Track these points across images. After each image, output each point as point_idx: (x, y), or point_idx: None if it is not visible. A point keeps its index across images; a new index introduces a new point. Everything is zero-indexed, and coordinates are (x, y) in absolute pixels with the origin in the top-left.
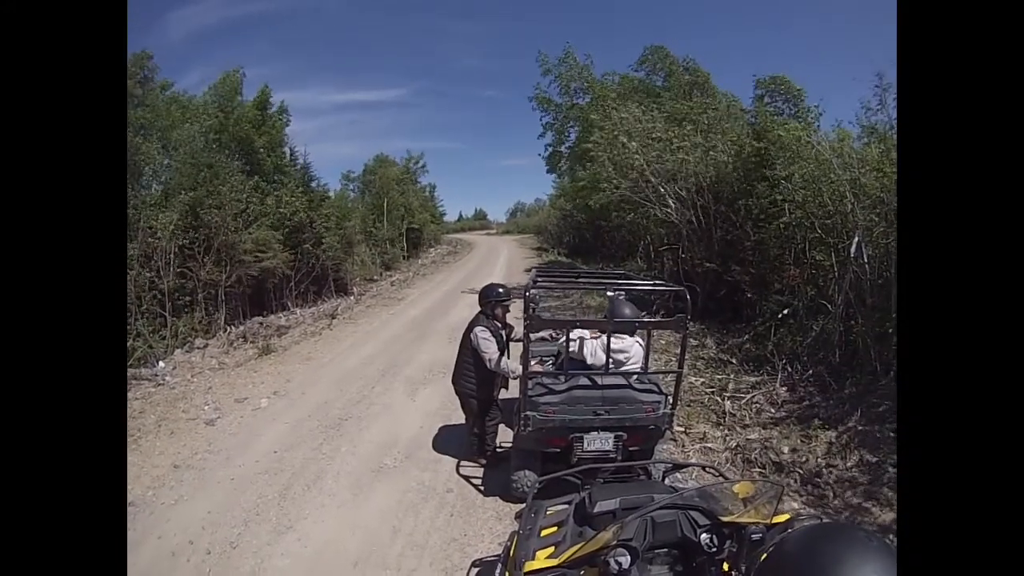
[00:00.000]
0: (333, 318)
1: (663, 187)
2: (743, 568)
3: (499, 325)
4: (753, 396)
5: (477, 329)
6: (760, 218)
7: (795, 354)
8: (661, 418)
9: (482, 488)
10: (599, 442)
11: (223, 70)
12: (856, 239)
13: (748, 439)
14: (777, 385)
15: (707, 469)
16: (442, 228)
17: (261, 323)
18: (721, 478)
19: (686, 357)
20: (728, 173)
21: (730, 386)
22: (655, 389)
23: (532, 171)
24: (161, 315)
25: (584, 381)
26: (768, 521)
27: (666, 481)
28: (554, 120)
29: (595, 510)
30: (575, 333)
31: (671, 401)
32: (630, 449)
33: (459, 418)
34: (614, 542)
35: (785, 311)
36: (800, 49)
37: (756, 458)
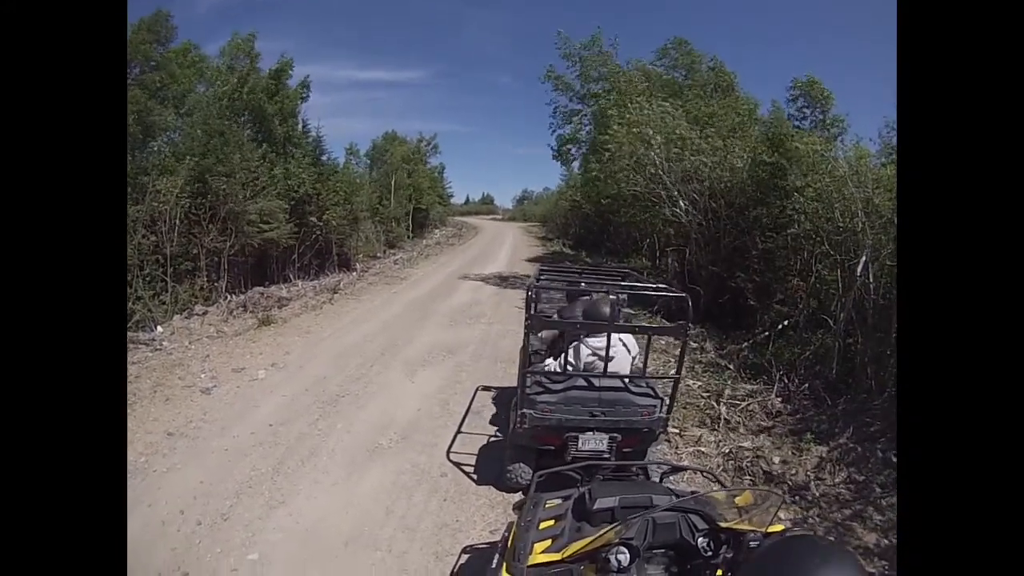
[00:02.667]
0: (335, 293)
1: (677, 188)
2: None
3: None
4: (749, 404)
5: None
6: (769, 227)
7: (792, 365)
8: (656, 421)
9: (475, 476)
10: (593, 443)
11: (235, 31)
12: (863, 258)
13: (741, 446)
14: (773, 395)
15: (705, 474)
16: (449, 210)
17: (262, 293)
18: (718, 484)
19: (685, 361)
20: (742, 180)
21: (726, 392)
22: (651, 393)
23: (541, 161)
24: (163, 279)
25: (581, 382)
26: (764, 530)
27: (663, 483)
28: (567, 105)
29: (594, 507)
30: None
31: (667, 404)
32: (624, 450)
33: (457, 402)
34: (616, 540)
35: (786, 322)
36: (830, 59)
37: (747, 466)
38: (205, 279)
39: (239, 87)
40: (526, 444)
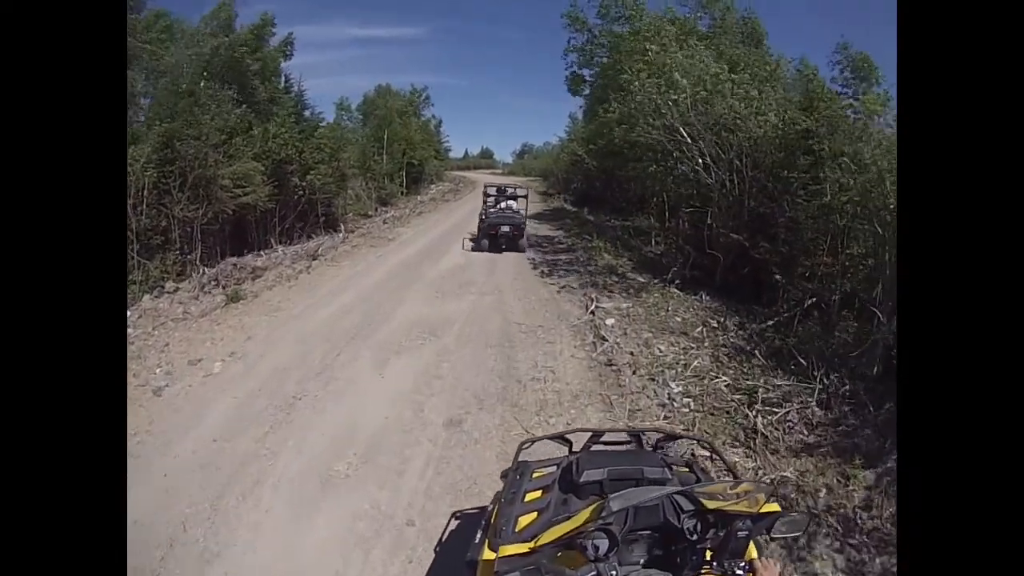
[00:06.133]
0: (314, 259)
1: (700, 141)
2: (726, 564)
3: None
4: (787, 412)
5: None
6: (798, 194)
7: (825, 355)
8: (522, 221)
9: (453, 528)
10: (504, 229)
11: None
12: None
13: (782, 476)
14: (813, 402)
15: (701, 443)
16: (446, 165)
17: (235, 264)
18: (714, 454)
19: (706, 344)
20: (772, 139)
21: (759, 392)
22: (520, 214)
23: (542, 114)
24: (131, 257)
25: (498, 212)
26: (754, 511)
27: (657, 452)
28: (585, 44)
29: (582, 479)
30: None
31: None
32: (513, 235)
33: (433, 408)
34: (592, 525)
35: (811, 299)
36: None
37: (791, 502)
38: (179, 252)
39: (217, 46)
40: (484, 234)
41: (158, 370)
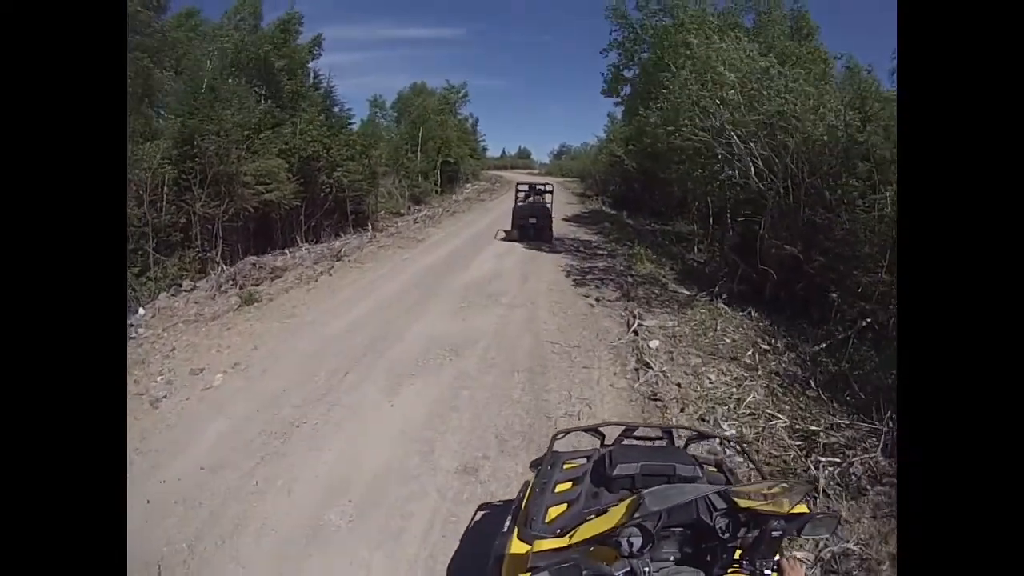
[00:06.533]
0: (337, 260)
1: (751, 143)
2: (758, 564)
3: None
4: (851, 464)
5: None
6: (858, 204)
7: (881, 385)
8: (548, 212)
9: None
10: (531, 220)
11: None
12: None
13: (846, 549)
14: (878, 449)
15: (731, 443)
16: (482, 164)
17: (254, 264)
18: (744, 456)
19: (759, 372)
20: (829, 142)
21: (820, 436)
22: (547, 207)
23: (580, 115)
24: (152, 254)
25: (528, 206)
26: (785, 512)
27: (687, 449)
28: (626, 39)
29: (614, 472)
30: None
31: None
32: (540, 224)
33: (445, 448)
34: (628, 521)
35: (867, 320)
36: None
37: None
38: (201, 249)
39: (242, 42)
40: (516, 225)
41: (159, 378)
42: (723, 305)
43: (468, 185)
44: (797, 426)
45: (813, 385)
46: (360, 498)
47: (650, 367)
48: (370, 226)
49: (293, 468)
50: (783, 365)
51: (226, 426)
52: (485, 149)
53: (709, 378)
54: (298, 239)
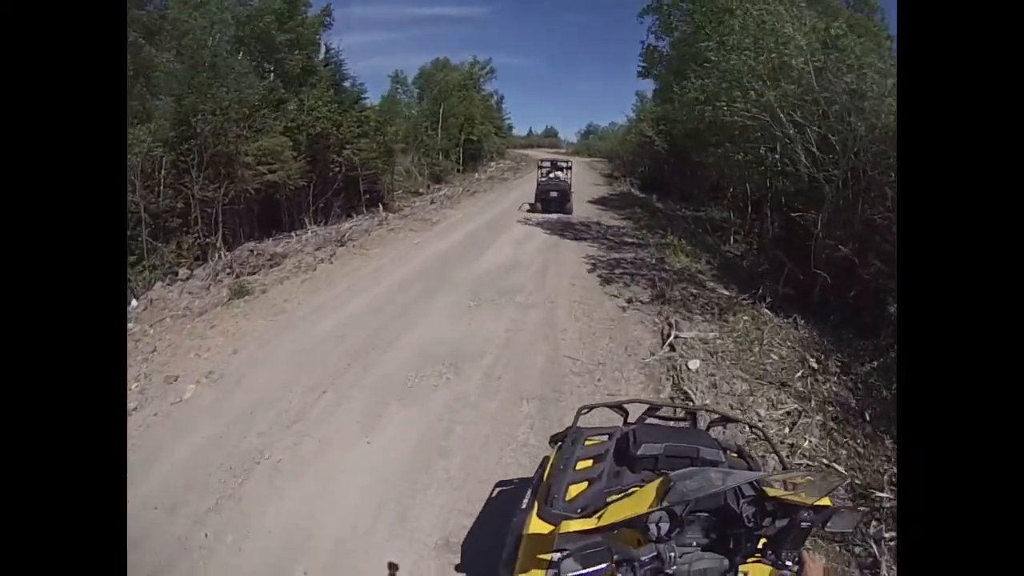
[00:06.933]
0: (340, 245)
1: (809, 126)
2: (783, 554)
3: None
4: None
5: None
6: None
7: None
8: (568, 187)
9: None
10: (553, 193)
11: None
12: None
13: None
14: None
15: (754, 429)
16: (507, 142)
17: (252, 250)
18: (767, 442)
19: (812, 403)
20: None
21: (883, 500)
22: (567, 183)
23: (608, 94)
24: (151, 241)
25: (549, 181)
26: (811, 503)
27: (711, 432)
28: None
29: (638, 452)
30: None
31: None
32: (559, 199)
33: (425, 508)
34: (657, 506)
35: None
36: None
37: None
38: (197, 235)
39: (240, 17)
40: (539, 198)
41: (134, 385)
42: (767, 311)
43: (492, 164)
44: (856, 480)
45: (868, 418)
46: (322, 564)
47: (690, 398)
48: (381, 207)
49: (248, 518)
50: (833, 389)
51: (187, 454)
52: (511, 127)
53: (758, 412)
54: (307, 221)
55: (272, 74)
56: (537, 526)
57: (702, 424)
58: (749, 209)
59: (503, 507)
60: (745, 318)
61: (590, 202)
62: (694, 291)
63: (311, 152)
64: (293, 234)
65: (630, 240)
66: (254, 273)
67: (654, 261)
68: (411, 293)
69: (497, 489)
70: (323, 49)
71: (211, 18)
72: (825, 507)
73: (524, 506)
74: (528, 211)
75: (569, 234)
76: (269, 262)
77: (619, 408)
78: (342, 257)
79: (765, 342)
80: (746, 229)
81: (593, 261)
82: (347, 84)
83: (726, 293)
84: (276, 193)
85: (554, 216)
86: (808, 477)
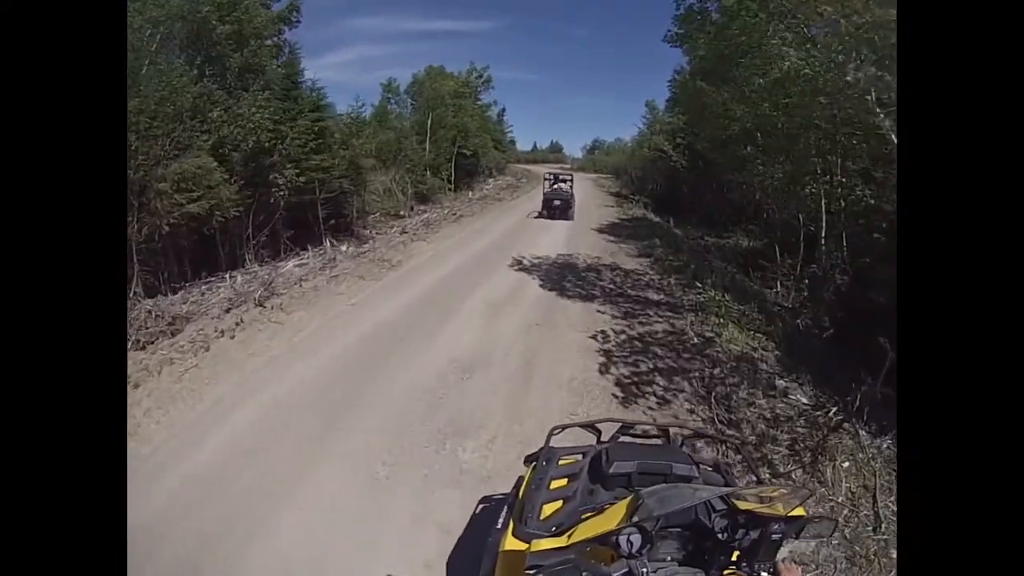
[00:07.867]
0: (258, 306)
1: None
2: (757, 567)
3: None
4: None
5: None
6: None
7: None
8: (570, 198)
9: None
10: (556, 203)
11: None
12: None
13: None
14: None
15: (729, 443)
16: (509, 156)
17: (150, 311)
18: (740, 455)
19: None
20: None
21: None
22: (569, 191)
23: (613, 110)
24: None
25: (551, 191)
26: (783, 515)
27: (683, 447)
28: None
29: (611, 470)
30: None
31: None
32: (562, 207)
33: None
34: (627, 523)
35: None
36: None
37: None
38: None
39: (180, 9)
40: (543, 203)
41: None
42: (864, 433)
43: (490, 180)
44: None
45: None
46: None
47: None
48: (327, 243)
49: None
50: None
51: None
52: (513, 141)
53: None
54: (248, 258)
55: (206, 77)
56: (512, 544)
57: (676, 441)
58: (802, 243)
59: (486, 524)
60: (845, 464)
61: (598, 230)
62: (762, 403)
63: (247, 173)
64: (228, 275)
65: (656, 296)
66: (146, 347)
67: (697, 340)
68: (304, 426)
69: (480, 506)
70: (288, 48)
71: (142, 16)
72: (798, 517)
73: (500, 525)
74: (533, 218)
75: (572, 286)
76: (170, 327)
77: (591, 427)
78: (250, 327)
79: (884, 531)
80: (798, 270)
81: (606, 347)
82: (306, 89)
83: (804, 402)
84: (203, 227)
85: (544, 250)
86: (780, 490)
